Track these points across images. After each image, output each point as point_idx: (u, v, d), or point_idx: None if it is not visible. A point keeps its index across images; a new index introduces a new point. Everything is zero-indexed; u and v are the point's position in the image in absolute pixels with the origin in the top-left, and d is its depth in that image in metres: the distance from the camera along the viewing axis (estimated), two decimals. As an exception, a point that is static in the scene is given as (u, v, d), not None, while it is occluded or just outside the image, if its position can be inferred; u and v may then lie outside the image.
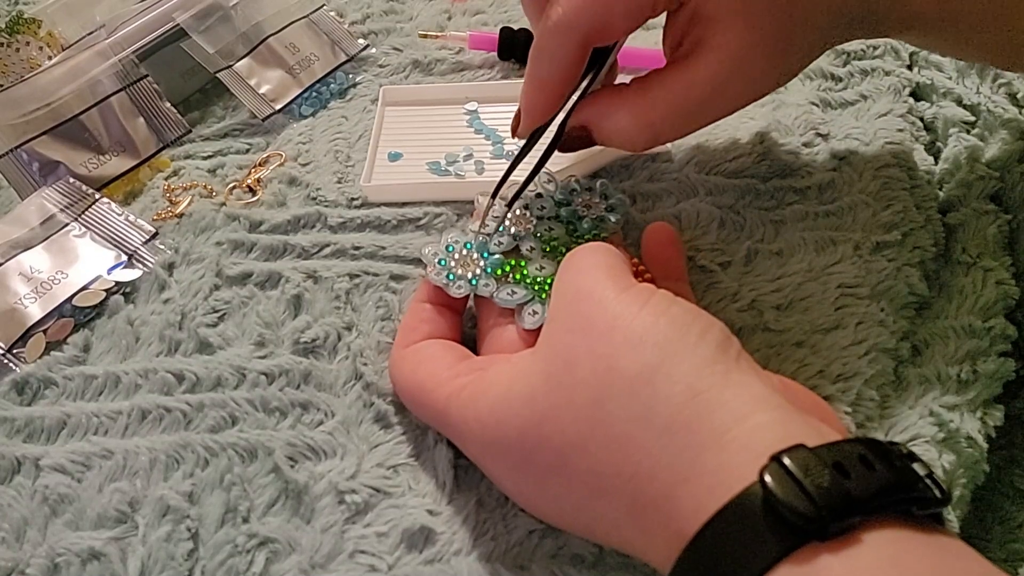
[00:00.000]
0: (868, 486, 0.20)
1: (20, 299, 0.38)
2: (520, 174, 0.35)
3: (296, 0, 0.53)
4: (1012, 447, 0.35)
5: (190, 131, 0.49)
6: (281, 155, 0.46)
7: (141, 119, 0.48)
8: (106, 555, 0.30)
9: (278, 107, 0.49)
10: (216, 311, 0.38)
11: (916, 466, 0.22)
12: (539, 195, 0.36)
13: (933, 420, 0.31)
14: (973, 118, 0.43)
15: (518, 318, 0.32)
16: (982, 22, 0.34)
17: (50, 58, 0.50)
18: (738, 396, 0.23)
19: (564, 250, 0.34)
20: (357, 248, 0.40)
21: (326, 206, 0.42)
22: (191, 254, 0.41)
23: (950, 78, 0.45)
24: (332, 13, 0.54)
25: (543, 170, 0.36)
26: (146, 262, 0.41)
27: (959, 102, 0.43)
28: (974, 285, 0.35)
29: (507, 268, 0.34)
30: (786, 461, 0.20)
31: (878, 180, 0.39)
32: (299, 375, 0.35)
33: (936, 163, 0.42)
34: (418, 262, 0.39)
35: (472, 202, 0.39)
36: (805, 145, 0.42)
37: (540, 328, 0.30)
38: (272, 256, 0.40)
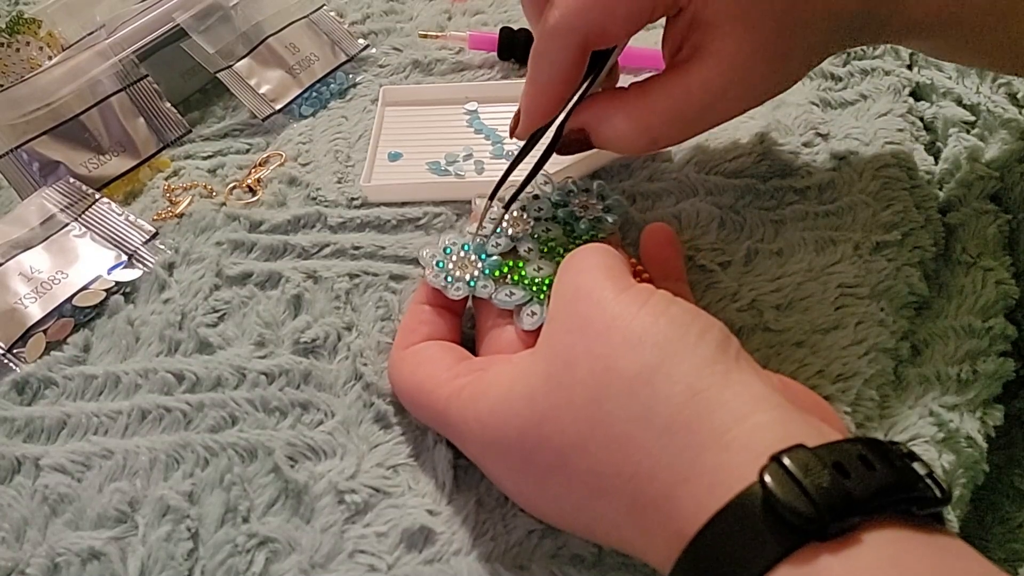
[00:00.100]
0: (868, 486, 0.20)
1: (20, 299, 0.38)
2: (519, 175, 0.35)
3: (296, 0, 0.53)
4: (1012, 447, 0.35)
5: (190, 131, 0.49)
6: (281, 155, 0.46)
7: (141, 119, 0.48)
8: (106, 555, 0.30)
9: (278, 107, 0.49)
10: (216, 311, 0.38)
11: (916, 465, 0.22)
12: (536, 196, 0.36)
13: (933, 420, 0.31)
14: (973, 118, 0.43)
15: (516, 319, 0.32)
16: (982, 27, 0.34)
17: (50, 58, 0.50)
18: (738, 396, 0.23)
19: (562, 251, 0.34)
20: (357, 248, 0.40)
21: (326, 206, 0.42)
22: (191, 254, 0.41)
23: (950, 78, 0.45)
24: (332, 13, 0.54)
25: (541, 172, 0.36)
26: (146, 262, 0.41)
27: (959, 102, 0.43)
28: (974, 285, 0.35)
29: (505, 269, 0.34)
30: (786, 461, 0.20)
31: (878, 180, 0.39)
32: (299, 375, 0.35)
33: (936, 163, 0.42)
34: (418, 262, 0.39)
35: (471, 203, 0.39)
36: (805, 145, 0.42)
37: (539, 329, 0.30)
38: (272, 256, 0.40)
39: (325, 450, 0.32)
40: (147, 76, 0.48)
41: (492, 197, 0.36)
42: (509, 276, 0.34)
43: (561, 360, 0.26)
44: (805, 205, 0.39)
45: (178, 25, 0.49)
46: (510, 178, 0.36)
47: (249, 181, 0.45)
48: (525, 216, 0.35)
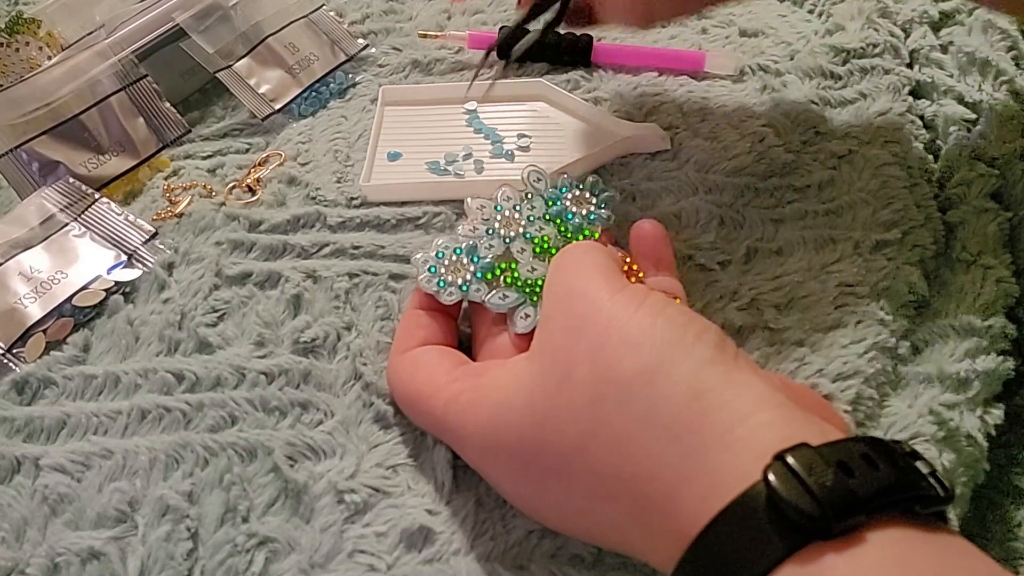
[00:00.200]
0: (872, 485, 0.20)
1: (20, 299, 0.38)
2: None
3: (296, 0, 0.53)
4: (1012, 445, 0.35)
5: (190, 131, 0.49)
6: (281, 155, 0.46)
7: (141, 119, 0.48)
8: (106, 555, 0.30)
9: (278, 107, 0.49)
10: (216, 311, 0.38)
11: (919, 464, 0.21)
12: (528, 195, 0.36)
13: (933, 419, 0.31)
14: (974, 116, 0.42)
15: (510, 322, 0.32)
16: None
17: (50, 58, 0.50)
18: (740, 396, 0.23)
19: (555, 250, 0.34)
20: (356, 248, 0.40)
21: (325, 206, 0.42)
22: (191, 254, 0.41)
23: (951, 76, 0.45)
24: (331, 13, 0.54)
25: (534, 168, 0.36)
26: (146, 262, 0.41)
27: (960, 100, 0.43)
28: (974, 283, 0.35)
29: (498, 271, 0.34)
30: (790, 460, 0.20)
31: (878, 179, 0.39)
32: (299, 375, 0.35)
33: (936, 161, 0.42)
34: (417, 262, 0.39)
35: (464, 203, 0.39)
36: (805, 144, 0.42)
37: (533, 331, 0.30)
38: (272, 256, 0.40)
39: (325, 450, 0.32)
40: (147, 76, 0.48)
41: (491, 51, 0.37)
42: (502, 278, 0.33)
43: (558, 364, 0.26)
44: (805, 204, 0.39)
45: (177, 25, 0.49)
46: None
47: (249, 181, 0.45)
48: (518, 216, 0.35)
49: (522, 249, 0.34)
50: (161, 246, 0.42)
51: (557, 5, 0.37)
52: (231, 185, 0.45)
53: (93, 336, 0.38)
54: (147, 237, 0.42)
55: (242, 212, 0.42)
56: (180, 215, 0.43)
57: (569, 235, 0.35)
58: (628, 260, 0.32)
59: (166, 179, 0.46)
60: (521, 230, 0.34)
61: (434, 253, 0.34)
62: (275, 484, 0.31)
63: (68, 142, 0.45)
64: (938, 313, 0.35)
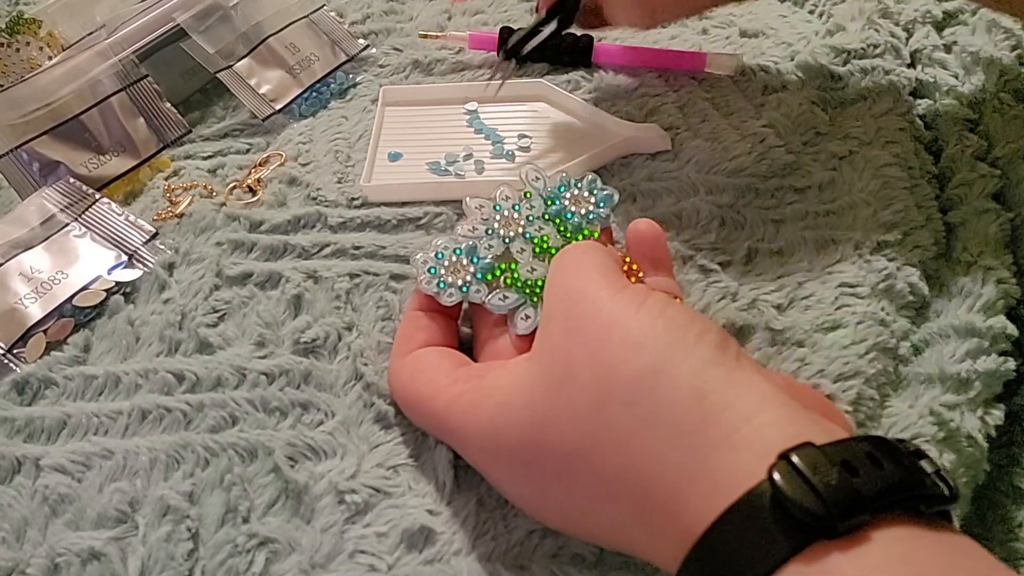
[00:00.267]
0: (876, 484, 0.20)
1: (20, 299, 0.38)
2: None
3: (296, 0, 0.53)
4: (1013, 446, 0.35)
5: (190, 131, 0.49)
6: (281, 155, 0.46)
7: (141, 119, 0.48)
8: (106, 555, 0.30)
9: (278, 107, 0.49)
10: (216, 311, 0.38)
11: (924, 463, 0.21)
12: (527, 195, 0.36)
13: (933, 419, 0.31)
14: (975, 116, 0.42)
15: (510, 323, 0.32)
16: None
17: (50, 58, 0.50)
18: (743, 396, 0.23)
19: (555, 250, 0.34)
20: (357, 248, 0.40)
21: (326, 206, 0.42)
22: (191, 254, 0.41)
23: (955, 76, 0.44)
24: (332, 13, 0.54)
25: (532, 168, 0.36)
26: (146, 262, 0.41)
27: (962, 100, 0.43)
28: (975, 284, 0.35)
29: (498, 272, 0.34)
30: (795, 459, 0.20)
31: (878, 179, 0.39)
32: (299, 375, 0.35)
33: (937, 162, 0.42)
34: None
35: (463, 203, 0.39)
36: (805, 144, 0.42)
37: (534, 332, 0.30)
38: (272, 256, 0.40)
39: (325, 450, 0.32)
40: (147, 76, 0.48)
41: (509, 54, 0.40)
42: (502, 279, 0.33)
43: (559, 366, 0.26)
44: (805, 204, 0.39)
45: (178, 25, 0.49)
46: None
47: (249, 181, 0.45)
48: (517, 216, 0.35)
49: (522, 249, 0.34)
50: (162, 246, 0.42)
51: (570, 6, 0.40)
52: (232, 185, 0.45)
53: (94, 336, 0.38)
54: (148, 237, 0.42)
55: (243, 212, 0.42)
56: (181, 215, 0.43)
57: (568, 234, 0.34)
58: (628, 260, 0.32)
59: (167, 179, 0.46)
60: (520, 230, 0.34)
61: (434, 254, 0.34)
62: (276, 484, 0.31)
63: (69, 142, 0.45)
64: (939, 313, 0.35)
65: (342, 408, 0.34)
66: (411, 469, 0.31)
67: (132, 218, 0.42)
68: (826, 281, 0.35)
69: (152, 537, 0.30)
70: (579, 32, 0.43)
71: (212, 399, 0.34)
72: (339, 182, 0.44)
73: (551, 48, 0.48)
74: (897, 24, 0.48)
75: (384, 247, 0.40)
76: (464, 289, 0.33)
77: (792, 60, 0.47)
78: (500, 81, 0.41)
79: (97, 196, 0.43)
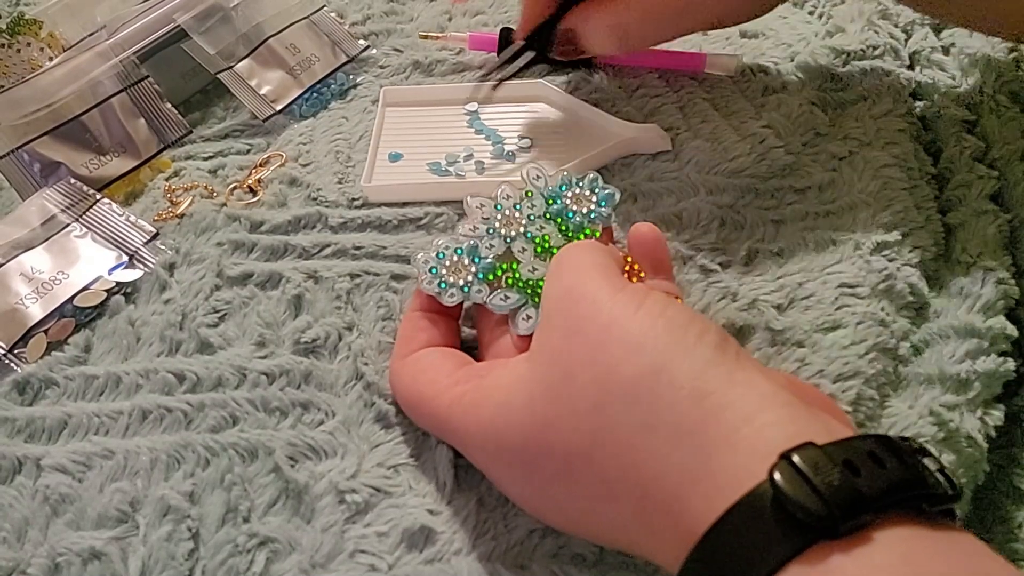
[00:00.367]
0: (879, 483, 0.20)
1: (21, 299, 0.38)
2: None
3: (297, 1, 0.53)
4: (1012, 446, 0.35)
5: (191, 132, 0.49)
6: (282, 156, 0.46)
7: (142, 120, 0.48)
8: (107, 555, 0.30)
9: (279, 108, 0.49)
10: (217, 311, 0.38)
11: (927, 461, 0.21)
12: (528, 193, 0.36)
13: (933, 420, 0.31)
14: (974, 117, 0.43)
15: (512, 324, 0.32)
16: None
17: (51, 59, 0.51)
18: (744, 396, 0.23)
19: (556, 249, 0.34)
20: (358, 248, 0.40)
21: (327, 206, 0.42)
22: (192, 254, 0.41)
23: (952, 77, 0.45)
24: (333, 14, 0.54)
25: (534, 167, 0.36)
26: (147, 262, 0.41)
27: (960, 101, 0.43)
28: (974, 285, 0.35)
29: (499, 272, 0.34)
30: (796, 459, 0.20)
31: (878, 180, 0.39)
32: (300, 375, 0.35)
33: (936, 163, 0.42)
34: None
35: (464, 202, 0.39)
36: (805, 145, 0.42)
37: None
38: (273, 256, 0.40)
39: (326, 450, 0.32)
40: (148, 77, 0.48)
41: (521, 52, 0.42)
42: (504, 279, 0.33)
43: (559, 367, 0.26)
44: (805, 205, 0.39)
45: (179, 26, 0.49)
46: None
47: (250, 182, 0.45)
48: (518, 215, 0.35)
49: (523, 249, 0.34)
50: (162, 247, 0.42)
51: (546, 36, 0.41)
52: (232, 186, 0.45)
53: (94, 336, 0.38)
54: (148, 238, 0.42)
55: (243, 213, 0.42)
56: (181, 216, 0.43)
57: (570, 234, 0.34)
58: (629, 260, 0.32)
59: (167, 180, 0.46)
60: (522, 229, 0.34)
61: (435, 254, 0.34)
62: (276, 484, 0.31)
63: (69, 143, 0.45)
64: (938, 314, 0.35)
65: (342, 408, 0.34)
66: (411, 469, 0.31)
67: (133, 218, 0.42)
68: (826, 281, 0.36)
69: (153, 537, 0.30)
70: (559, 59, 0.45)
71: (213, 399, 0.34)
72: (340, 182, 0.44)
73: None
74: (896, 25, 0.48)
75: (385, 247, 0.40)
76: (465, 289, 0.33)
77: (792, 61, 0.47)
78: (494, 82, 0.42)
79: (98, 197, 0.43)
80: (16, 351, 0.37)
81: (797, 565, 0.19)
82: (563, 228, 0.35)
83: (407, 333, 0.33)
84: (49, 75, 0.46)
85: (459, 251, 0.34)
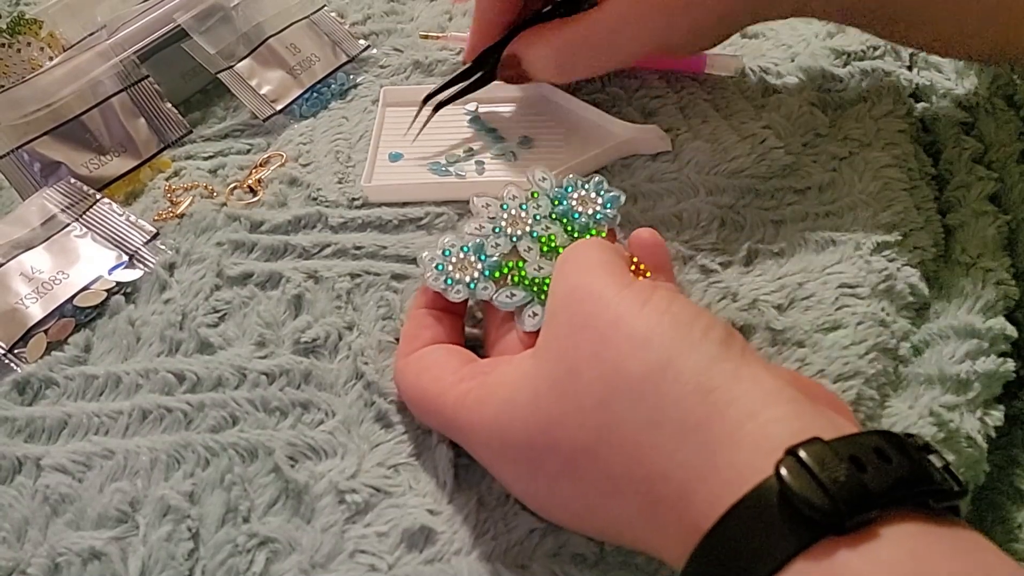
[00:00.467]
0: (885, 479, 0.20)
1: (21, 299, 0.38)
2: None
3: (297, 1, 0.53)
4: (1012, 447, 0.35)
5: (191, 131, 0.49)
6: (282, 155, 0.46)
7: (142, 119, 0.48)
8: (107, 555, 0.30)
9: (279, 108, 0.49)
10: (217, 311, 0.38)
11: (932, 458, 0.21)
12: (533, 194, 0.36)
13: (933, 420, 0.31)
14: (972, 119, 0.43)
15: (518, 320, 0.32)
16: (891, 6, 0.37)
17: (51, 59, 0.51)
18: (749, 392, 0.23)
19: (562, 249, 0.34)
20: (358, 248, 0.40)
21: (327, 206, 0.42)
22: (192, 254, 0.41)
23: (949, 79, 0.45)
24: (333, 14, 0.54)
25: (539, 168, 0.36)
26: (147, 262, 0.41)
27: (958, 103, 0.43)
28: (974, 285, 0.35)
29: (505, 270, 0.34)
30: (802, 454, 0.20)
31: (878, 181, 0.39)
32: (300, 375, 0.35)
33: (936, 164, 0.42)
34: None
35: (470, 202, 0.39)
36: (805, 146, 0.42)
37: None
38: (273, 256, 0.40)
39: (326, 450, 0.32)
40: (148, 76, 0.48)
41: (426, 100, 0.42)
42: (509, 276, 0.34)
43: (565, 364, 0.26)
44: (805, 205, 0.39)
45: (179, 26, 0.49)
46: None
47: (250, 181, 0.45)
48: (524, 215, 0.35)
49: (529, 248, 0.34)
50: (162, 246, 0.42)
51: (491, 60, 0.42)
52: (232, 186, 0.45)
53: (94, 336, 0.38)
54: (148, 237, 0.42)
55: (243, 213, 0.42)
56: (181, 216, 0.43)
57: (576, 234, 0.35)
58: (635, 259, 0.32)
59: (167, 180, 0.46)
60: (528, 229, 0.34)
61: (441, 251, 0.34)
62: (276, 484, 0.31)
63: (69, 143, 0.45)
64: (938, 315, 0.35)
65: (342, 407, 0.34)
66: (411, 468, 0.31)
67: (133, 218, 0.42)
68: (826, 281, 0.36)
69: (152, 537, 0.30)
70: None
71: (212, 399, 0.34)
72: (340, 182, 0.44)
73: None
74: (897, 26, 0.48)
75: (385, 247, 0.40)
76: (472, 286, 0.33)
77: (792, 61, 0.47)
78: (420, 127, 0.43)
79: (98, 196, 0.43)
80: (16, 351, 0.37)
81: (803, 561, 0.19)
82: (568, 229, 0.35)
83: (411, 331, 0.33)
84: (49, 75, 0.46)
85: (465, 249, 0.34)
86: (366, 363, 0.35)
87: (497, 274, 0.34)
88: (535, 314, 0.32)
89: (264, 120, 0.48)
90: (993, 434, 0.31)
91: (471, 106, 0.46)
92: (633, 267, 0.32)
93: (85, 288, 0.39)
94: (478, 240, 0.34)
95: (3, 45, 0.50)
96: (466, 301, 0.34)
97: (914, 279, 0.35)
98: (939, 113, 0.43)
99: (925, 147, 0.42)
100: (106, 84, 0.47)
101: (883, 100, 0.44)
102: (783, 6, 0.39)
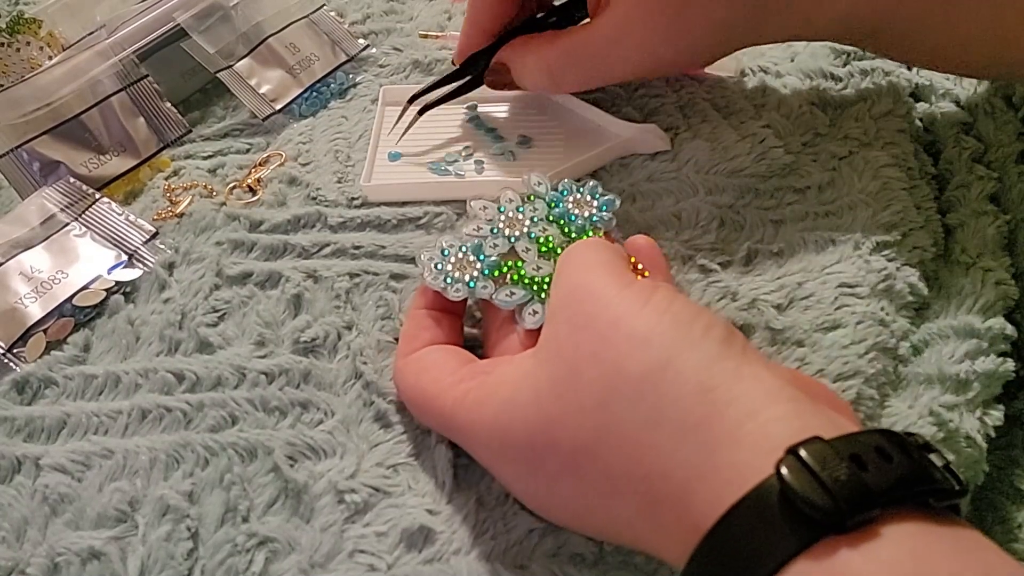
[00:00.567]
0: (886, 478, 0.20)
1: (20, 299, 0.38)
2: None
3: (296, 0, 0.53)
4: (1012, 447, 0.35)
5: (190, 131, 0.49)
6: (281, 155, 0.46)
7: (141, 119, 0.48)
8: (106, 554, 0.30)
9: (278, 107, 0.49)
10: (216, 311, 0.38)
11: (933, 457, 0.21)
12: (530, 197, 0.36)
13: (933, 420, 0.31)
14: (971, 119, 0.43)
15: (518, 319, 0.32)
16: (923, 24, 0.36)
17: (51, 58, 0.51)
18: (750, 391, 0.23)
19: (560, 250, 0.34)
20: (357, 247, 0.40)
21: (326, 206, 0.42)
22: (191, 254, 0.41)
23: (948, 79, 0.45)
24: (332, 13, 0.54)
25: (536, 173, 0.36)
26: (146, 262, 0.41)
27: (958, 103, 0.43)
28: (974, 285, 0.35)
29: (504, 269, 0.34)
30: (802, 453, 0.20)
31: (878, 180, 0.39)
32: (299, 374, 0.35)
33: (935, 164, 0.42)
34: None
35: (468, 203, 0.39)
36: (805, 145, 0.42)
37: (541, 328, 0.30)
38: (272, 256, 0.40)
39: (325, 449, 0.32)
40: (147, 76, 0.48)
41: (411, 100, 0.42)
42: (508, 276, 0.34)
43: (565, 363, 0.26)
44: (805, 205, 0.39)
45: (178, 25, 0.49)
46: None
47: (249, 181, 0.45)
48: (521, 217, 0.35)
49: (527, 248, 0.34)
50: (162, 246, 0.42)
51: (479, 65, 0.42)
52: (232, 185, 0.45)
53: (94, 336, 0.38)
54: (148, 237, 0.42)
55: (243, 212, 0.42)
56: (181, 215, 0.43)
57: (573, 236, 0.35)
58: (633, 260, 0.32)
59: (167, 179, 0.46)
60: (525, 230, 0.34)
61: (440, 250, 0.34)
62: (275, 484, 0.31)
63: (69, 142, 0.45)
64: (938, 314, 0.35)
65: (342, 407, 0.34)
66: (411, 468, 0.31)
67: (132, 218, 0.42)
68: (826, 281, 0.36)
69: (152, 536, 0.30)
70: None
71: (212, 399, 0.34)
72: (339, 182, 0.44)
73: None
74: (896, 25, 0.48)
75: (384, 247, 0.40)
76: (471, 285, 0.33)
77: (792, 61, 0.47)
78: (404, 128, 0.43)
79: (97, 196, 0.43)
80: (15, 350, 0.37)
81: (804, 560, 0.19)
82: (565, 231, 0.35)
83: (410, 331, 0.33)
84: (48, 74, 0.46)
85: (464, 248, 0.34)
86: (365, 363, 0.35)
87: (496, 273, 0.34)
88: (535, 312, 0.32)
89: (263, 119, 0.48)
90: (992, 434, 0.31)
91: (471, 105, 0.46)
92: (631, 269, 0.32)
93: (84, 287, 0.39)
94: (476, 241, 0.34)
95: (2, 44, 0.50)
96: (465, 301, 0.34)
97: (914, 279, 0.35)
98: (939, 113, 0.43)
99: (925, 147, 0.42)
100: (105, 83, 0.47)
101: (883, 100, 0.44)
102: (781, 31, 0.39)
